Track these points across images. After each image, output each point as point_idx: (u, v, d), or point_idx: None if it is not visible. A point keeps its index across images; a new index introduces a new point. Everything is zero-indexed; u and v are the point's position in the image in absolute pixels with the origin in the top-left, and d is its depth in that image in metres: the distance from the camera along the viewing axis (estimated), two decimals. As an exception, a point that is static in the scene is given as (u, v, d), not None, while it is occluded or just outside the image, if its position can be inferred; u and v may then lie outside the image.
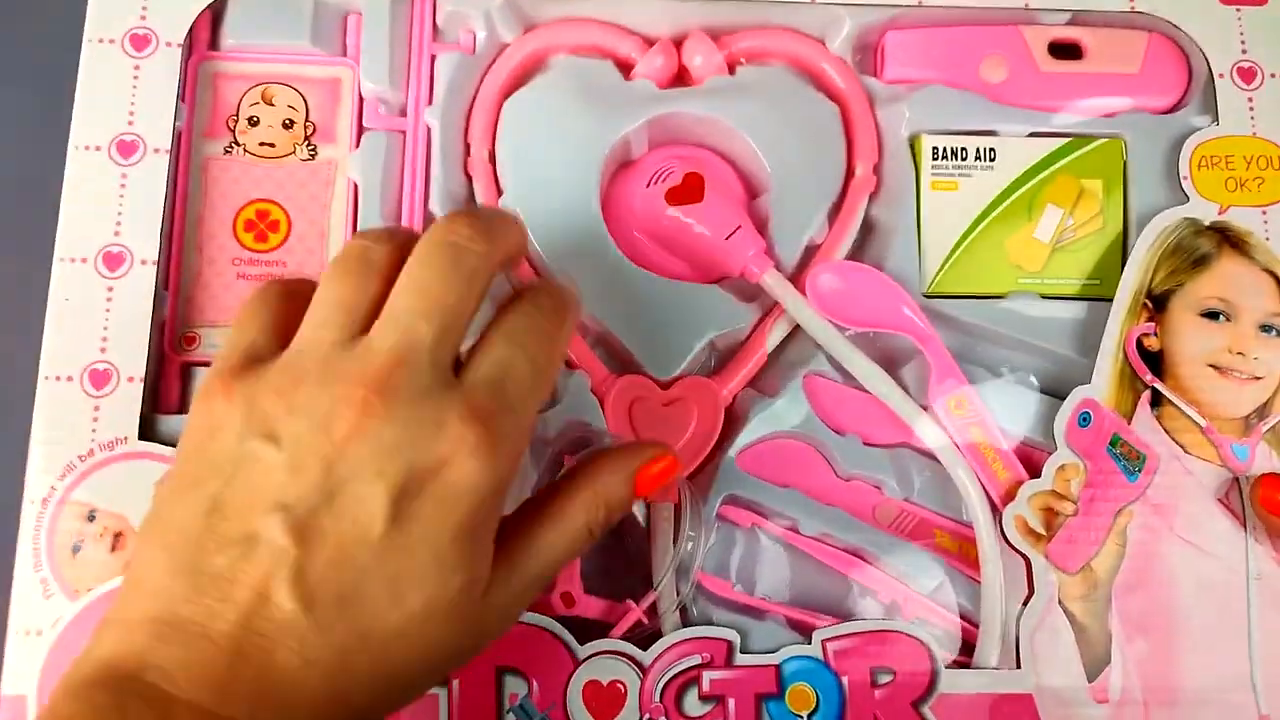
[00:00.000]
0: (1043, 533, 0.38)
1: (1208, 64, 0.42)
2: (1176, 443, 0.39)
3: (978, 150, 0.42)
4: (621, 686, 0.36)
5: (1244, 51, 0.43)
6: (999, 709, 0.37)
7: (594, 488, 0.33)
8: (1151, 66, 0.43)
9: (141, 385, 0.37)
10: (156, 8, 0.40)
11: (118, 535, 0.36)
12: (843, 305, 0.41)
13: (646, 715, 0.36)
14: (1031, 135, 0.42)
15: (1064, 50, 0.43)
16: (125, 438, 0.37)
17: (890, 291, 0.41)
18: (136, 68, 0.39)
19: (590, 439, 0.40)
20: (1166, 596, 0.38)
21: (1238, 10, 0.43)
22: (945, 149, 0.42)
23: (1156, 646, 0.38)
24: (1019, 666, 0.37)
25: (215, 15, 0.41)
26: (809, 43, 0.43)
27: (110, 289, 0.38)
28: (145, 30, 0.40)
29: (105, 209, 0.38)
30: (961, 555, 0.40)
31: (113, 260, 0.38)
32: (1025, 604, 0.38)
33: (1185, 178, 0.41)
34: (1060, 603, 0.38)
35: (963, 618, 0.39)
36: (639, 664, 0.36)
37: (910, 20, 0.43)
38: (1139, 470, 0.39)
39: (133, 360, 0.37)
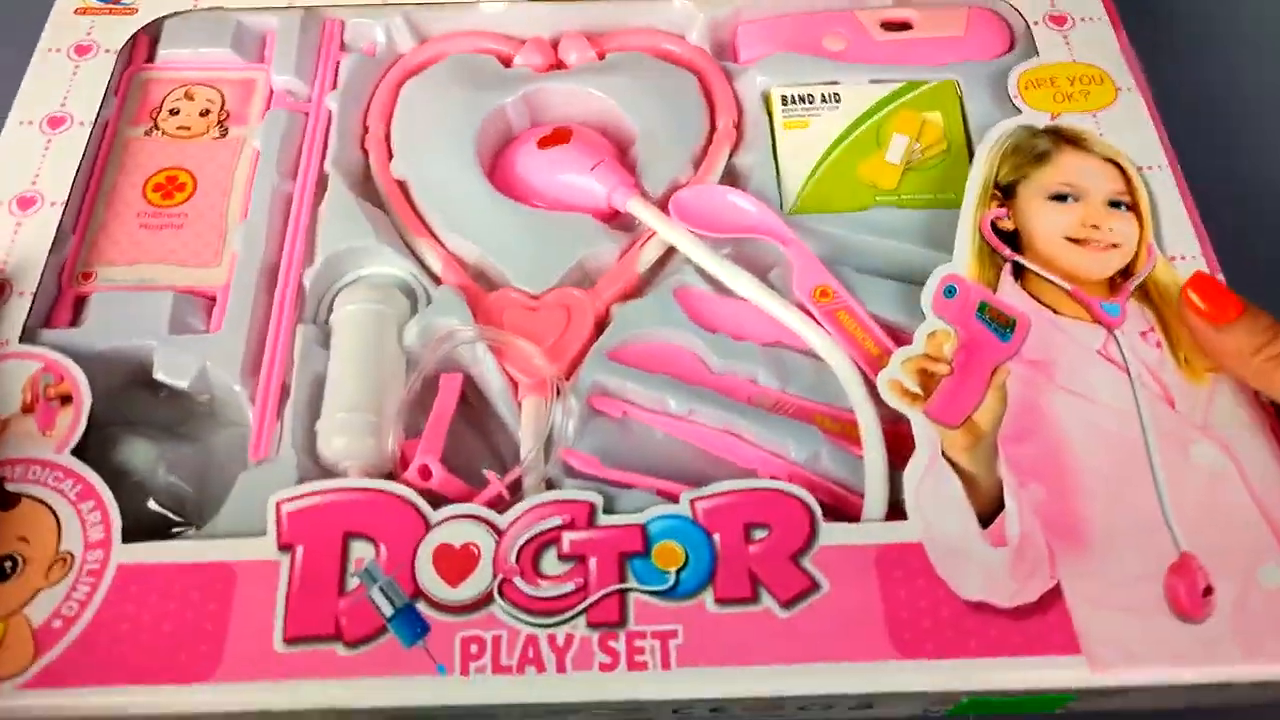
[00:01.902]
0: (919, 393, 0.36)
1: (1024, 19, 0.46)
2: (1045, 306, 0.38)
3: (823, 94, 0.45)
4: (475, 549, 0.33)
5: (1053, 4, 0.46)
6: (885, 558, 0.32)
7: None
8: (974, 29, 0.46)
9: (30, 299, 0.38)
10: (102, 25, 0.46)
11: (-18, 425, 0.35)
12: (704, 217, 0.41)
13: (500, 575, 0.32)
14: (872, 82, 0.46)
15: (895, 28, 0.48)
16: (6, 341, 0.37)
17: (748, 202, 0.42)
18: (76, 68, 0.44)
19: (454, 336, 0.39)
20: (1056, 443, 0.35)
21: (1043, -23, 0.47)
22: (794, 95, 0.45)
23: (1054, 490, 0.34)
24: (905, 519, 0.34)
25: (153, 36, 0.47)
26: (670, 37, 0.48)
27: (19, 224, 0.40)
28: (89, 41, 0.45)
29: (28, 165, 0.41)
30: (844, 435, 0.37)
31: (25, 202, 0.40)
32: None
33: (1015, 97, 0.43)
34: (945, 455, 0.35)
35: (848, 490, 0.36)
36: (495, 527, 0.33)
37: (756, 13, 0.48)
38: (1010, 331, 0.37)
39: (27, 280, 0.38)
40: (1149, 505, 0.33)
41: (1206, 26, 0.57)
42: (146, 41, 0.47)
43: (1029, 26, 0.46)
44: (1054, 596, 0.32)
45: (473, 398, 0.39)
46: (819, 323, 0.38)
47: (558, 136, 0.43)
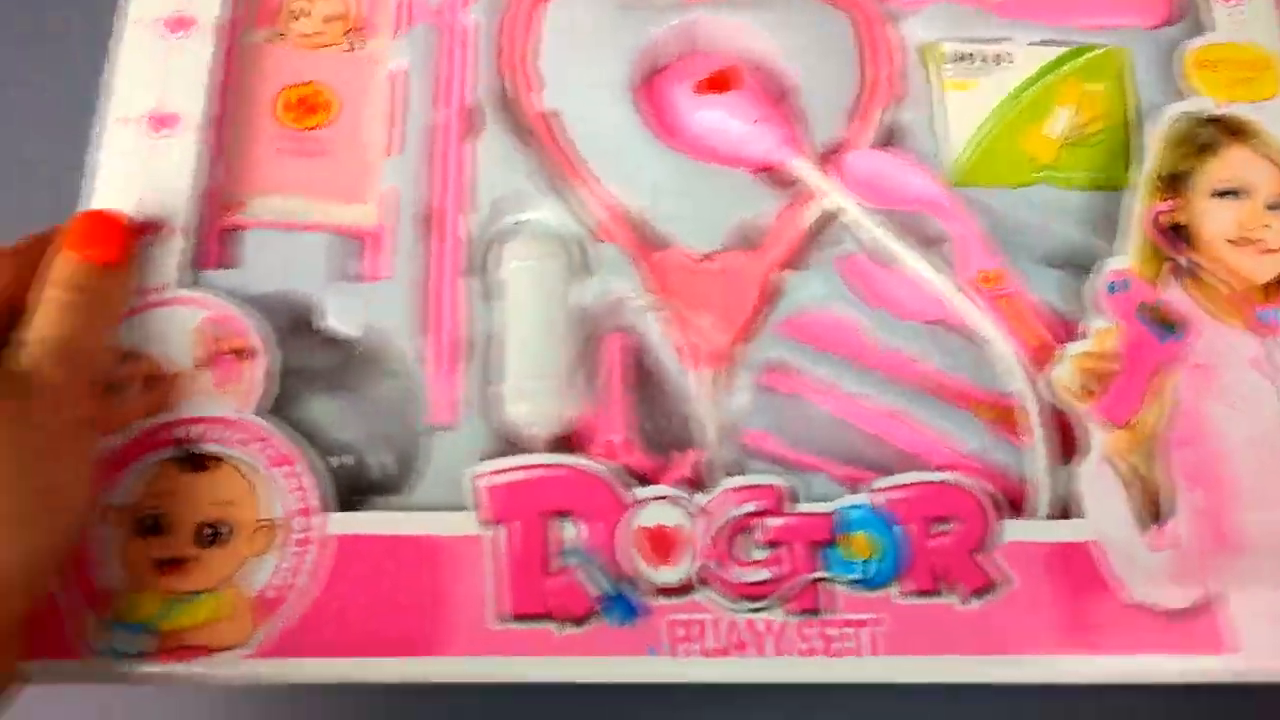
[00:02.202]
0: (1087, 390, 0.37)
1: (1194, -17, 0.45)
2: (1207, 309, 0.39)
3: (992, 55, 0.44)
4: (675, 531, 0.34)
5: (1224, -28, 0.45)
6: (1059, 556, 0.35)
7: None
8: (1143, -11, 0.46)
9: (185, 238, 0.36)
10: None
11: (152, 377, 0.33)
12: (873, 187, 0.40)
13: (703, 560, 0.33)
14: (1039, 43, 0.44)
15: (1061, -22, 0.46)
16: (166, 284, 0.35)
17: (919, 173, 0.41)
18: (189, -41, 0.40)
19: (626, 307, 0.38)
20: (1214, 451, 0.36)
21: (1217, -60, 0.46)
22: (960, 53, 0.43)
23: (1214, 497, 0.36)
24: (1073, 518, 0.36)
25: (270, -81, 0.42)
26: (825, -31, 0.45)
27: (153, 146, 0.36)
28: (199, -76, 0.40)
29: (153, 77, 0.38)
30: (1003, 422, 0.38)
31: (160, 121, 0.37)
32: (1075, 461, 0.36)
33: (1184, 77, 0.43)
34: (1109, 458, 0.36)
35: (1011, 479, 0.37)
36: (692, 509, 0.34)
37: (918, -48, 0.46)
38: (1172, 332, 0.38)
39: (176, 213, 0.36)
40: (1295, 515, 0.36)
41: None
42: (263, -76, 0.42)
43: (1198, -5, 0.44)
44: (1214, 600, 0.34)
45: (634, 352, 0.39)
46: (983, 307, 0.39)
47: (720, 82, 0.41)
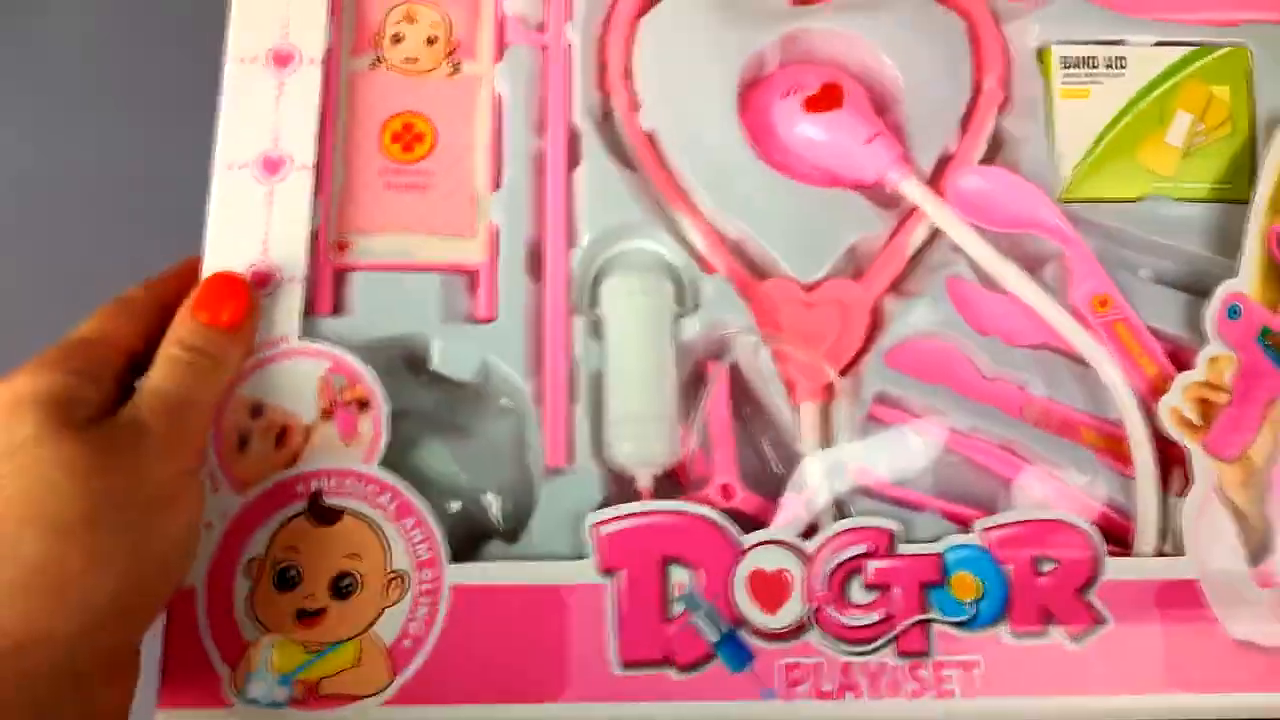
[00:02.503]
0: (1198, 423, 0.37)
1: (1329, -26, 0.42)
2: (1325, 335, 0.38)
3: (1107, 59, 0.41)
4: (787, 575, 0.35)
5: (1364, -39, 0.42)
6: (1165, 595, 0.35)
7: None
8: (1272, -21, 0.43)
9: (302, 285, 0.36)
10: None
11: (282, 430, 0.35)
12: (983, 208, 0.39)
13: (812, 604, 0.34)
14: (1158, 44, 0.42)
15: (1184, -38, 0.43)
16: (286, 336, 0.36)
17: (1030, 193, 0.39)
18: (290, -14, 0.39)
19: (731, 342, 0.39)
20: (1327, 485, 0.37)
21: (1357, -78, 0.42)
22: (1075, 58, 0.41)
23: (1321, 534, 0.36)
24: (1180, 554, 0.36)
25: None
26: (934, -38, 0.43)
27: (270, 193, 0.37)
28: (296, -51, 0.40)
29: (264, 116, 0.37)
30: (1109, 451, 0.38)
31: (272, 165, 0.37)
32: (1182, 493, 0.36)
33: (1313, 81, 0.41)
34: (1220, 490, 0.36)
35: (1119, 512, 0.38)
36: (802, 553, 0.35)
37: (1034, -60, 0.43)
38: (1292, 362, 0.38)
39: (293, 262, 0.36)
40: (1406, 554, 0.36)
41: None
42: (353, -58, 0.41)
43: (1335, -15, 0.41)
44: (1316, 639, 0.35)
45: (736, 386, 0.39)
46: (1095, 333, 0.38)
47: (828, 98, 0.40)
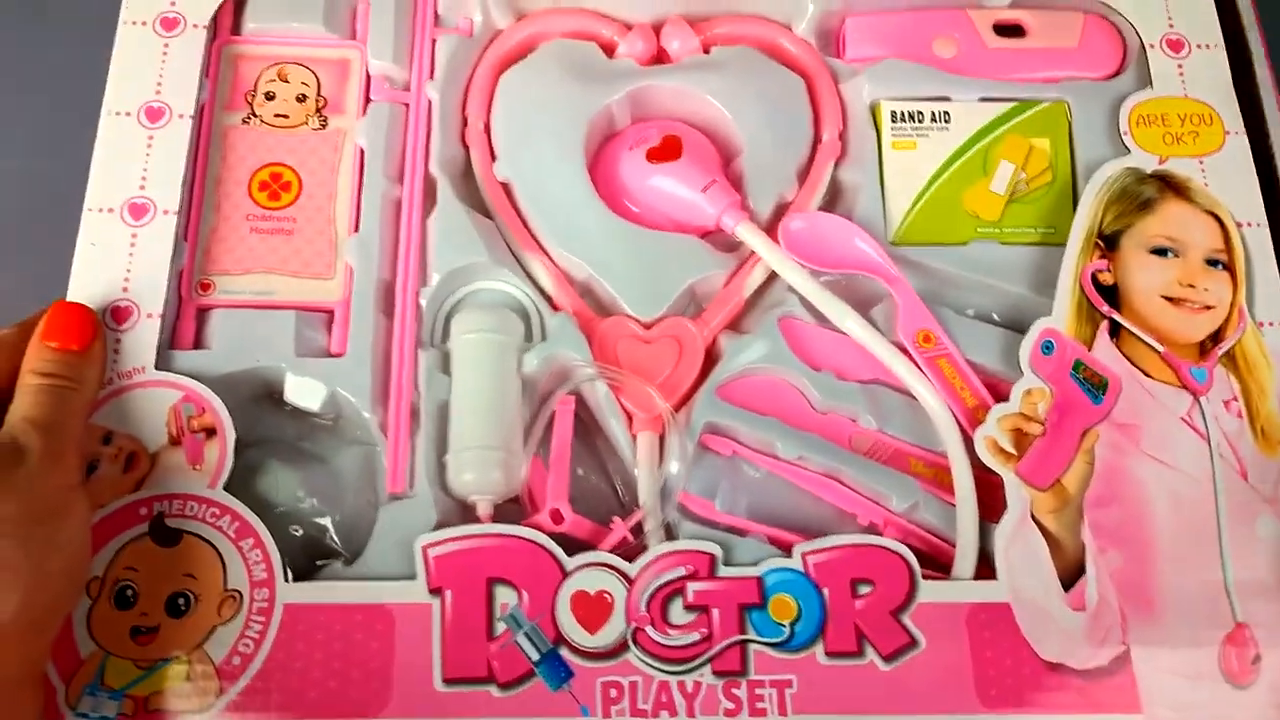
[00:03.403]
0: (1013, 452, 0.38)
1: (1139, 37, 0.45)
2: (1137, 368, 0.39)
3: (933, 113, 0.44)
4: (609, 596, 0.35)
5: (1171, 25, 0.45)
6: (976, 617, 0.36)
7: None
8: (1089, 41, 0.45)
9: (159, 321, 0.38)
10: (185, -5, 0.43)
11: (131, 455, 0.36)
12: (813, 250, 0.41)
13: (633, 625, 0.35)
14: (982, 100, 0.44)
15: (1008, 30, 0.46)
16: (142, 368, 0.37)
17: (857, 237, 0.41)
18: (166, 46, 0.42)
19: (573, 373, 0.40)
20: (1138, 510, 0.37)
21: (1165, -12, 0.45)
22: (903, 113, 0.44)
23: (1130, 557, 0.37)
24: (995, 578, 0.37)
25: (238, 3, 0.44)
26: (776, 27, 0.46)
27: (134, 235, 0.39)
28: (174, 14, 0.42)
29: (133, 166, 0.40)
30: (936, 481, 0.39)
31: (138, 210, 0.39)
32: (998, 520, 0.37)
33: (1125, 134, 0.42)
34: (1033, 517, 0.37)
35: (938, 538, 0.39)
36: (625, 575, 0.36)
37: (866, 7, 0.46)
38: (1102, 393, 0.39)
39: (152, 299, 0.38)
40: (1214, 576, 0.37)
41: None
42: (231, 9, 0.43)
43: (1144, 48, 0.44)
44: (1123, 660, 0.35)
45: (583, 415, 0.40)
46: (920, 368, 0.40)
47: (668, 150, 0.42)
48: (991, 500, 0.38)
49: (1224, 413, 0.39)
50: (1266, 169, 0.43)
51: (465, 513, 0.38)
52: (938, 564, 0.38)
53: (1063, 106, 0.44)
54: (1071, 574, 0.37)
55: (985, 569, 0.37)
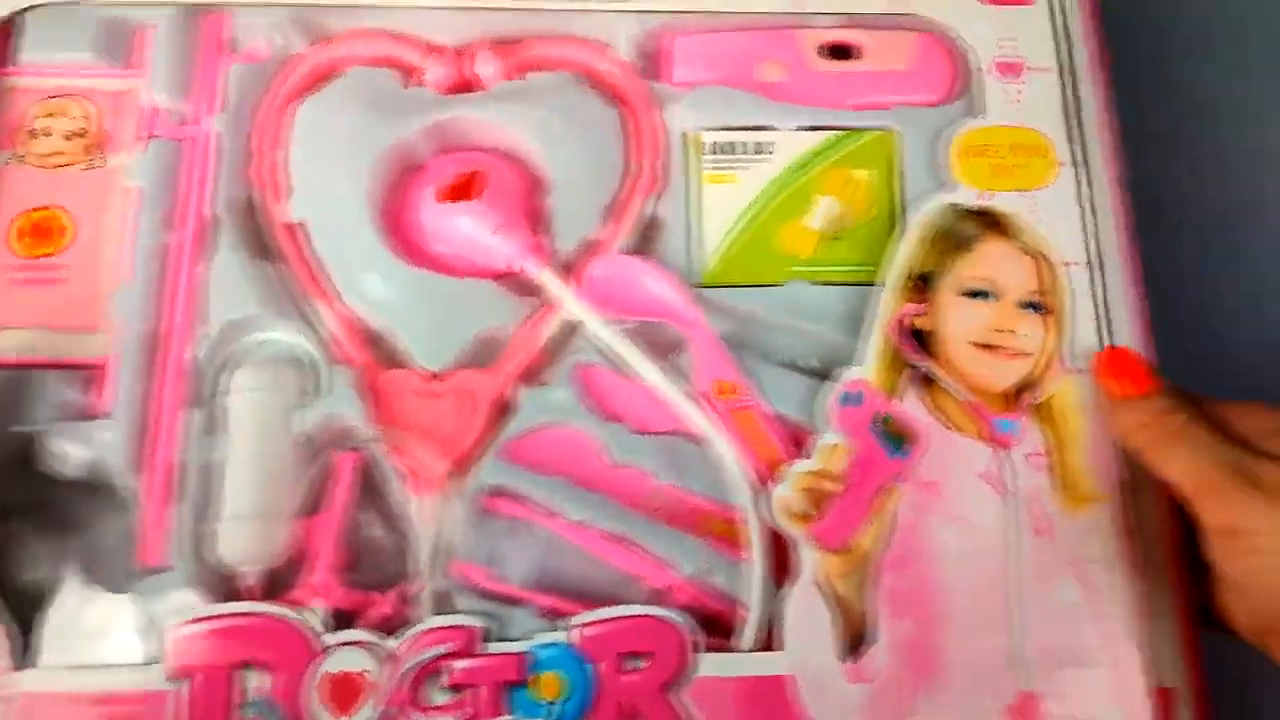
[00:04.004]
0: (808, 512, 0.36)
1: (972, 60, 0.42)
2: (944, 420, 0.37)
3: (753, 144, 0.41)
4: (363, 677, 0.33)
5: (1004, 47, 0.42)
6: (754, 691, 0.34)
7: None
8: (920, 64, 0.42)
9: (-101, 383, 0.36)
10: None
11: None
12: (612, 295, 0.39)
13: (387, 707, 0.33)
14: (806, 129, 0.41)
15: (837, 51, 0.43)
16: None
17: (657, 281, 0.39)
18: (-73, 82, 0.39)
19: (353, 434, 0.38)
20: (933, 573, 0.35)
21: (1000, 10, 0.42)
22: (720, 143, 0.41)
23: (921, 624, 0.35)
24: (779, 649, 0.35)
25: (11, 32, 0.41)
26: (594, 50, 0.43)
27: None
28: (-65, 47, 0.40)
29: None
30: (732, 539, 0.37)
31: (-119, 263, 0.37)
32: (784, 586, 0.35)
33: (950, 166, 0.40)
34: (822, 582, 0.35)
35: (731, 602, 0.36)
36: (383, 653, 0.34)
37: (690, 25, 0.43)
38: (904, 448, 0.37)
39: (-106, 358, 0.36)
40: (1003, 640, 0.35)
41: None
42: (3, 38, 0.41)
43: (978, 71, 0.41)
44: (909, 738, 0.33)
45: (364, 486, 0.38)
46: (716, 419, 0.37)
47: (462, 188, 0.39)
48: (788, 562, 0.36)
49: (1027, 467, 0.36)
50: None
51: (229, 588, 0.36)
52: (728, 631, 0.36)
53: (889, 136, 0.41)
54: (857, 641, 0.35)
55: (765, 638, 0.35)
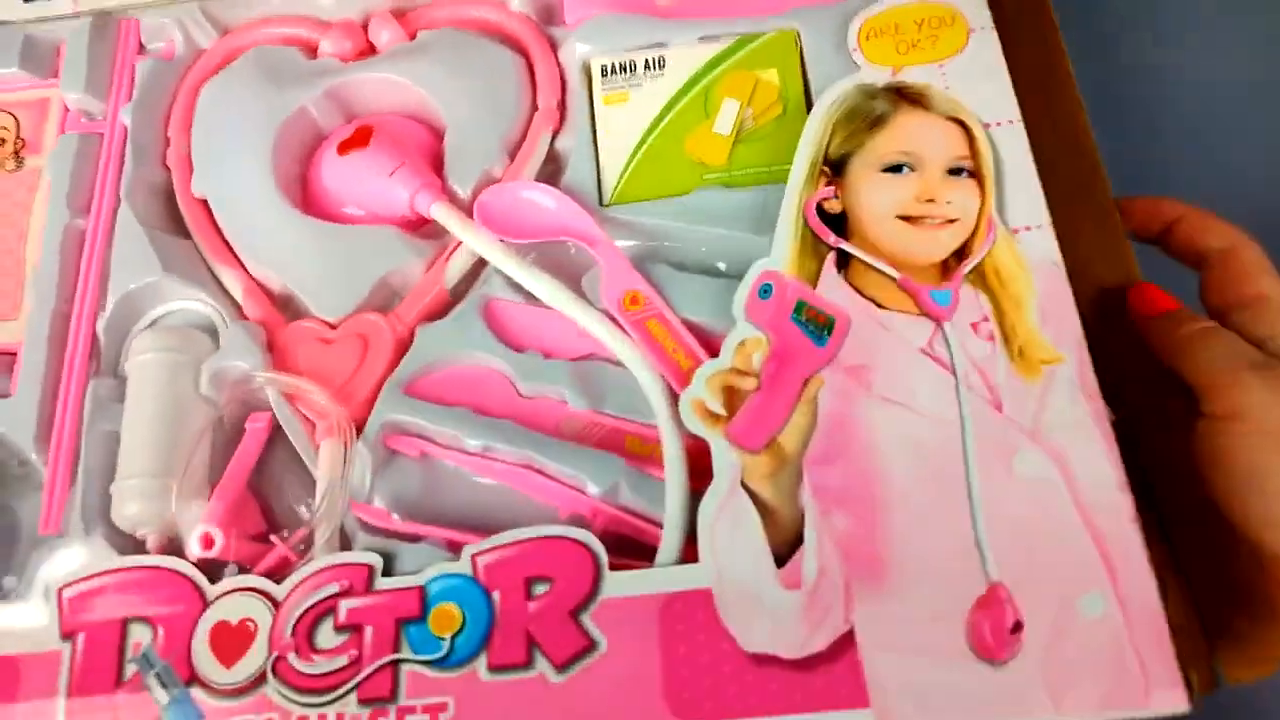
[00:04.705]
0: (724, 414, 0.32)
1: (872, -56, 0.40)
2: (869, 299, 0.33)
3: (646, 61, 0.39)
4: (251, 624, 0.31)
5: (904, -76, 0.40)
6: (670, 609, 0.30)
7: None
8: (818, -40, 0.40)
9: None
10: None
11: None
12: (508, 222, 0.37)
13: (275, 653, 0.31)
14: (702, 40, 0.40)
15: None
16: None
17: (550, 198, 0.37)
18: None
19: (249, 385, 0.36)
20: (867, 464, 0.31)
21: (896, -110, 0.40)
22: (614, 65, 0.39)
23: (859, 519, 0.30)
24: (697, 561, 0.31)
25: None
26: (489, 5, 0.42)
27: None
28: None
29: None
30: (655, 459, 0.34)
31: None
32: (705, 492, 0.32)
33: (855, 49, 0.37)
34: (745, 485, 0.31)
35: (655, 523, 0.33)
36: (273, 599, 0.31)
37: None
38: (827, 334, 0.33)
39: None
40: (963, 529, 0.30)
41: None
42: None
43: (877, -47, 0.39)
44: (846, 643, 0.29)
45: (265, 437, 0.36)
46: (627, 334, 0.35)
47: (357, 138, 0.39)
48: (709, 471, 0.32)
49: (971, 337, 0.32)
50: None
51: (138, 549, 0.34)
52: (650, 553, 0.32)
53: (790, 34, 0.39)
54: (790, 547, 0.30)
55: (690, 552, 0.31)
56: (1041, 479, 0.30)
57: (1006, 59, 0.36)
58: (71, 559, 0.33)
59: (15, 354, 0.38)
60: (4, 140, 0.41)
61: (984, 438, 0.31)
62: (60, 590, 0.32)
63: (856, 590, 0.29)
